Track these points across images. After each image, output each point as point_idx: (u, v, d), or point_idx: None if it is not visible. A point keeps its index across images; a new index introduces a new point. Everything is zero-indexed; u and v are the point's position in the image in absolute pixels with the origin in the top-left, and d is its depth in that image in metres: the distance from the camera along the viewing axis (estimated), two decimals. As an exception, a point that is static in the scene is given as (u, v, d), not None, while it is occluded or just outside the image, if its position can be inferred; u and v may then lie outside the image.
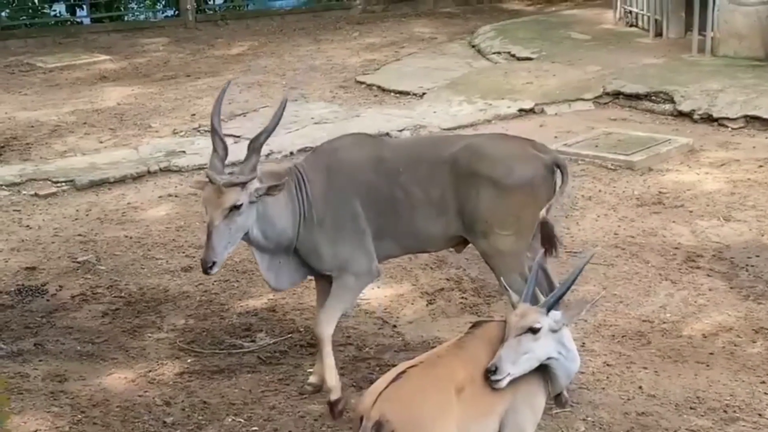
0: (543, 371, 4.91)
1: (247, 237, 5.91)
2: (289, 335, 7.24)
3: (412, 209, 6.15)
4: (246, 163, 5.78)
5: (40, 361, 7.00)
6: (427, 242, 6.41)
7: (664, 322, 7.34)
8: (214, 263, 5.71)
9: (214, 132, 5.90)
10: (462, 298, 7.80)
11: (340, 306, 6.26)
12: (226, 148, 5.84)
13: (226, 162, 5.87)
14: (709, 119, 12.10)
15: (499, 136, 7.05)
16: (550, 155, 6.29)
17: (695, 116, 12.21)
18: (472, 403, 4.69)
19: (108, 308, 7.77)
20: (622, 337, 7.14)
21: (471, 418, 4.67)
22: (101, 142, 12.06)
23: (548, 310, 4.88)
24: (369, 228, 6.12)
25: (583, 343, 7.02)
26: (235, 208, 5.68)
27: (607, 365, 6.76)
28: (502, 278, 5.85)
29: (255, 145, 5.84)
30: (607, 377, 6.62)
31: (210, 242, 5.68)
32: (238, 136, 11.74)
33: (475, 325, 5.02)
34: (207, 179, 5.76)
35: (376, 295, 7.84)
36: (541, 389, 4.94)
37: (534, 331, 4.78)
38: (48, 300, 7.95)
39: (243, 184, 5.72)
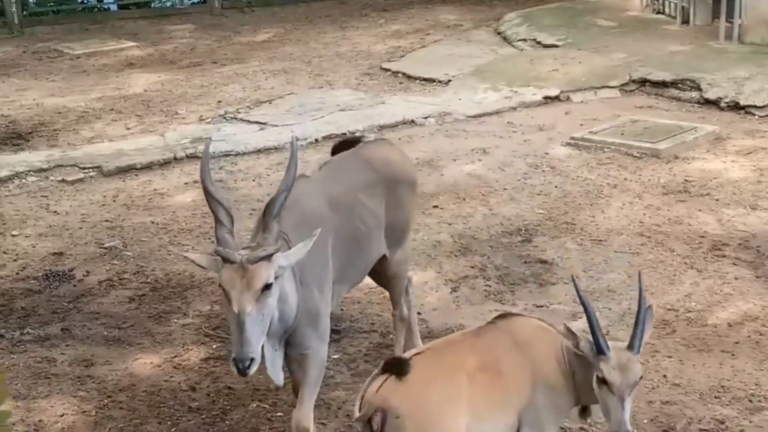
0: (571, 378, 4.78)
1: None
2: (314, 322, 7.26)
3: (369, 239, 5.84)
4: (268, 232, 4.93)
5: (67, 345, 7.07)
6: (366, 271, 6.07)
7: (689, 311, 7.32)
8: (252, 360, 4.77)
9: (212, 198, 5.03)
10: (486, 285, 7.80)
11: (317, 389, 5.47)
12: (231, 216, 5.04)
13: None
14: (735, 107, 12.02)
15: (380, 141, 6.69)
16: None
17: (722, 104, 12.13)
18: (485, 393, 4.58)
19: (134, 294, 7.82)
20: (647, 325, 7.11)
21: (484, 408, 4.57)
22: (128, 129, 12.13)
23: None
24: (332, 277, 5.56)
25: (608, 332, 7.00)
26: (267, 287, 4.81)
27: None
28: (402, 296, 6.30)
29: (273, 210, 5.00)
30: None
31: (244, 335, 4.74)
32: (264, 123, 11.81)
33: (500, 317, 4.95)
34: (221, 259, 4.86)
35: (397, 282, 7.85)
36: (566, 391, 4.77)
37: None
38: (75, 285, 8.02)
39: (269, 258, 4.85)
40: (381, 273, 6.21)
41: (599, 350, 4.54)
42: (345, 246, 5.59)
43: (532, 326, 4.87)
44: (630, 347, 4.62)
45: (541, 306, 7.44)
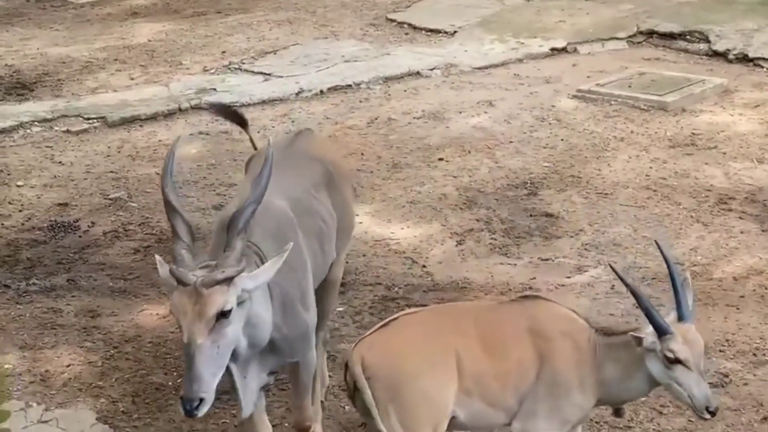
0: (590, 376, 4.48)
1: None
2: (319, 274, 7.27)
3: (330, 240, 5.29)
4: (230, 250, 4.26)
5: (73, 296, 7.09)
6: (321, 279, 5.41)
7: (695, 265, 7.31)
8: (202, 400, 4.16)
9: (171, 207, 4.43)
10: (492, 238, 7.79)
11: (309, 391, 5.14)
12: (191, 230, 4.42)
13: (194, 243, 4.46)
14: (744, 59, 11.91)
15: (309, 133, 6.03)
16: None
17: (730, 56, 12.02)
18: (479, 368, 4.36)
19: (140, 245, 7.83)
20: (652, 279, 7.12)
21: (474, 383, 4.36)
22: (132, 79, 12.06)
23: None
24: None
25: (613, 285, 7.03)
26: (223, 315, 4.16)
27: (637, 308, 6.72)
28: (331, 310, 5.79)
29: (238, 224, 4.31)
30: (636, 320, 6.58)
31: (194, 370, 4.12)
32: (269, 74, 11.73)
33: (529, 297, 4.71)
34: (173, 280, 4.25)
35: (405, 235, 7.86)
36: (582, 390, 4.47)
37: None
38: (80, 236, 8.02)
39: (230, 281, 4.18)
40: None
41: (663, 331, 4.29)
42: (312, 249, 5.04)
43: (557, 314, 4.57)
44: (681, 318, 4.42)
45: (547, 259, 7.44)
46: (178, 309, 4.18)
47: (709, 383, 5.73)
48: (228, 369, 4.34)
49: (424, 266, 7.38)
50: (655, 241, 4.69)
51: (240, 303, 4.23)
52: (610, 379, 4.47)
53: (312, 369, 5.01)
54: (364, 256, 7.54)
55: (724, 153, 9.29)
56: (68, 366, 6.26)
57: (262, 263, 4.46)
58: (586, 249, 7.58)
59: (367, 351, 4.35)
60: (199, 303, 4.11)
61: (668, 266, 4.48)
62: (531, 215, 8.16)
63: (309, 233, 5.01)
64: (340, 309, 6.76)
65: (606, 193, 8.50)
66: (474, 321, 4.49)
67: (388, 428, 4.26)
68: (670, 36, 12.68)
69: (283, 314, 4.64)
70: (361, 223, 8.07)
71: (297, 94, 11.03)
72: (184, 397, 4.15)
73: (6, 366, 6.22)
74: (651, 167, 9.02)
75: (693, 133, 9.77)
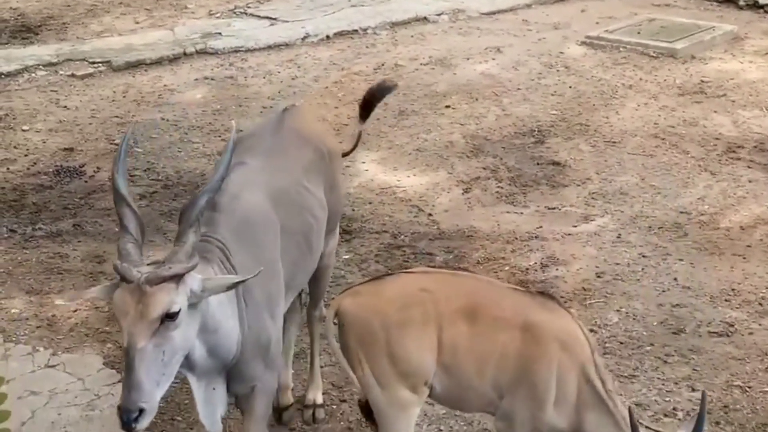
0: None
1: (186, 359, 3.93)
2: (325, 221, 7.25)
3: (319, 234, 4.79)
4: (180, 245, 3.84)
5: (79, 241, 7.08)
6: (312, 272, 4.98)
7: (702, 214, 7.29)
8: (141, 411, 3.69)
9: (120, 198, 3.97)
10: (498, 187, 7.76)
11: (265, 423, 4.51)
12: (141, 224, 3.95)
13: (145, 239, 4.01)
14: (754, 6, 11.82)
15: (298, 108, 5.61)
16: None
17: (741, 2, 11.92)
18: (459, 343, 4.10)
19: (145, 191, 7.81)
20: (659, 228, 7.10)
21: (452, 359, 4.11)
22: (137, 23, 11.97)
23: None
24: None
25: (619, 234, 7.02)
26: (169, 317, 3.73)
27: (643, 256, 6.75)
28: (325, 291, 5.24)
29: (191, 215, 3.90)
30: (643, 269, 6.61)
31: (132, 377, 3.68)
32: (275, 19, 11.64)
33: (544, 295, 4.26)
34: (117, 276, 3.81)
35: (411, 183, 7.84)
36: (551, 411, 4.07)
37: None
38: (86, 181, 8.00)
39: (178, 279, 3.76)
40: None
41: None
42: (295, 248, 4.53)
43: (561, 323, 4.12)
44: None
45: (553, 208, 7.42)
46: (119, 308, 3.73)
47: (714, 332, 5.79)
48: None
49: (430, 214, 7.36)
50: (702, 392, 4.17)
51: (192, 305, 3.79)
52: (587, 423, 4.08)
53: (270, 398, 4.44)
54: (370, 203, 7.52)
55: (733, 101, 9.22)
56: (75, 311, 6.28)
57: (228, 262, 4.09)
58: (593, 198, 7.56)
59: (350, 298, 4.27)
60: (143, 302, 3.67)
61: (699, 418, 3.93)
62: (538, 163, 8.12)
63: (292, 231, 4.51)
64: (346, 257, 6.76)
65: (614, 142, 8.46)
66: (472, 295, 4.18)
67: (359, 377, 4.22)
68: (681, -18, 12.54)
69: (249, 324, 4.17)
70: (367, 170, 8.06)
71: (303, 39, 10.95)
72: (121, 407, 3.69)
73: (13, 310, 6.25)
74: (659, 115, 8.96)
75: (702, 81, 9.70)
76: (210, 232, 4.12)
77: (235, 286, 3.89)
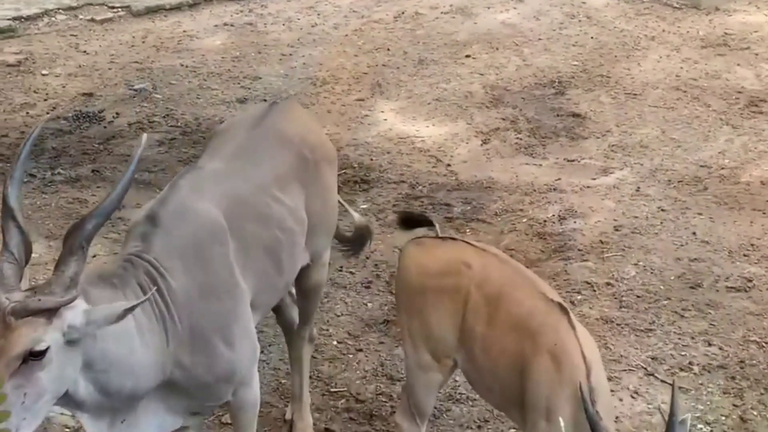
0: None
1: (67, 398, 3.40)
2: (343, 170, 7.23)
3: (292, 250, 4.27)
4: (58, 273, 3.29)
5: (98, 187, 7.11)
6: (286, 290, 4.59)
7: (722, 168, 7.25)
8: None
9: (7, 211, 3.42)
10: (517, 138, 7.73)
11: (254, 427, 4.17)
12: (27, 243, 3.42)
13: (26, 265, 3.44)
14: (781, -43, 11.63)
15: (289, 104, 4.93)
16: None
17: (767, -46, 11.73)
18: (474, 327, 3.96)
19: (164, 137, 7.82)
20: (679, 182, 7.07)
21: (468, 339, 3.99)
22: (157, -32, 11.91)
23: None
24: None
25: (638, 188, 6.99)
26: (33, 356, 3.21)
27: (662, 210, 6.73)
28: (316, 310, 4.79)
29: (76, 241, 3.34)
30: (661, 222, 6.59)
31: None
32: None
33: (562, 307, 3.87)
34: None
35: (430, 133, 7.81)
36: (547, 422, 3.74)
37: None
38: (105, 127, 8.01)
39: (50, 313, 3.23)
40: (296, 284, 4.65)
41: None
42: (258, 266, 4.05)
43: (562, 337, 3.80)
44: None
45: (572, 160, 7.39)
46: None
47: (732, 287, 5.78)
48: None
49: (448, 165, 7.34)
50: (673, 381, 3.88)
51: (72, 341, 3.27)
52: None
53: (253, 410, 4.08)
54: (388, 153, 7.50)
55: (757, 54, 9.12)
56: (94, 256, 6.29)
57: (159, 284, 3.60)
58: (612, 150, 7.52)
59: (413, 246, 4.25)
60: (4, 336, 3.17)
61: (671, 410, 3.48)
62: (558, 115, 8.07)
63: (253, 246, 4.01)
64: (364, 206, 6.77)
65: (635, 94, 8.40)
66: (503, 286, 3.97)
67: (400, 320, 4.27)
68: (706, -69, 12.36)
69: (192, 351, 3.69)
70: (385, 120, 8.04)
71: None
72: None
73: (33, 255, 6.27)
74: (681, 67, 8.88)
75: (725, 33, 9.59)
76: (140, 250, 3.65)
77: (126, 314, 3.29)
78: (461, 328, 4.01)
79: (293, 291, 4.76)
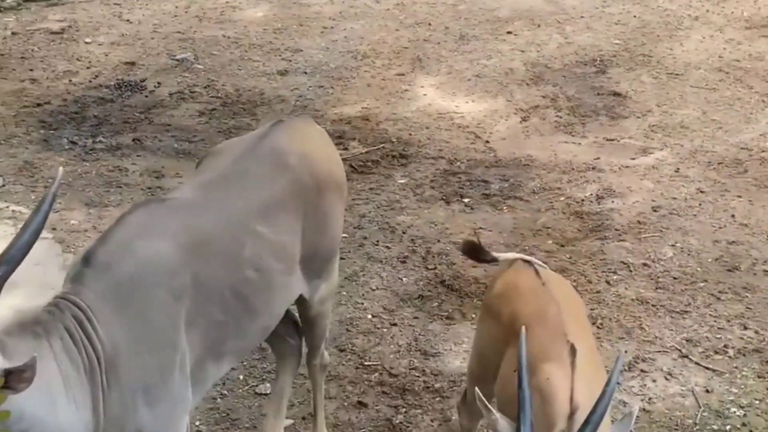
0: None
1: None
2: (382, 145, 7.27)
3: (270, 290, 3.85)
4: None
5: (138, 156, 7.17)
6: (267, 332, 4.08)
7: (763, 151, 7.19)
8: None
9: None
10: (557, 116, 7.70)
11: None
12: None
13: None
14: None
15: (295, 122, 4.37)
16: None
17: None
18: (509, 358, 3.69)
19: (205, 108, 7.86)
20: (719, 164, 7.02)
21: (505, 365, 3.73)
22: (200, -63, 11.93)
23: None
24: (191, 357, 3.57)
25: (678, 169, 6.95)
26: None
27: (701, 192, 6.69)
28: (324, 338, 4.41)
29: None
30: (700, 204, 6.56)
31: None
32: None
33: (571, 348, 3.52)
34: None
35: (469, 109, 7.80)
36: None
37: None
38: (146, 96, 8.07)
39: None
40: (298, 312, 4.38)
41: None
42: (219, 309, 3.63)
43: (554, 375, 3.51)
44: None
45: (612, 140, 7.36)
46: None
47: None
48: None
49: (487, 141, 7.34)
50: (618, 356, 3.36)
51: None
52: None
53: None
54: (427, 128, 7.51)
55: (803, 36, 9.03)
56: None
57: (86, 331, 3.25)
58: (652, 130, 7.48)
59: (509, 272, 4.02)
60: None
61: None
62: (598, 94, 8.03)
63: (217, 287, 3.62)
64: (401, 182, 6.78)
65: (677, 74, 8.33)
66: (532, 318, 3.70)
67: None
68: None
69: (110, 405, 3.32)
70: (425, 95, 8.04)
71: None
72: None
73: (72, 222, 6.36)
74: (725, 48, 8.80)
75: (771, 14, 9.50)
76: (69, 292, 3.31)
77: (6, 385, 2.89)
78: (501, 353, 3.81)
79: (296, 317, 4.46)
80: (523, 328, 3.26)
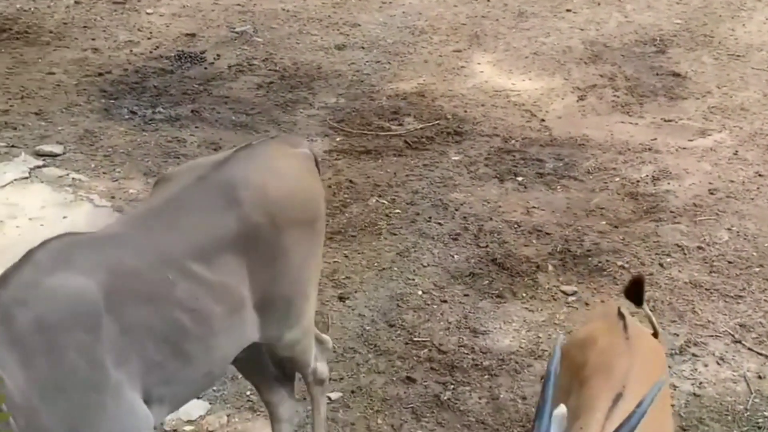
0: None
1: None
2: (437, 121, 7.28)
3: (207, 335, 3.44)
4: None
5: (196, 127, 7.24)
6: (220, 375, 3.85)
7: (823, 136, 7.10)
8: None
9: None
10: (614, 96, 7.65)
11: None
12: None
13: None
14: None
15: (263, 147, 3.80)
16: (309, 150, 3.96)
17: None
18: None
19: (263, 81, 7.91)
20: (779, 151, 6.95)
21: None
22: None
23: None
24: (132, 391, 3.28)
25: (736, 151, 6.88)
26: None
27: (759, 175, 6.61)
28: (309, 363, 4.04)
29: None
30: (758, 188, 6.49)
31: None
32: None
33: (616, 397, 3.25)
34: None
35: (526, 87, 7.77)
36: None
37: None
38: (206, 68, 8.14)
39: None
40: (257, 361, 4.02)
41: None
42: (144, 354, 3.28)
43: (587, 423, 3.26)
44: None
45: (670, 120, 7.29)
46: None
47: (826, 259, 5.65)
48: None
49: (542, 120, 7.31)
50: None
51: None
52: None
53: None
54: (482, 106, 7.49)
55: None
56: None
57: None
58: (711, 112, 7.40)
59: (598, 319, 3.81)
60: None
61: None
62: (657, 74, 7.96)
63: (139, 332, 3.26)
64: (455, 158, 6.79)
65: (738, 55, 8.22)
66: (592, 369, 3.49)
67: None
68: None
69: None
70: (482, 72, 8.02)
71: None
72: None
73: (131, 191, 6.46)
74: (788, 30, 8.68)
75: (838, -4, 9.33)
76: None
77: None
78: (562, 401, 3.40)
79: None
80: (560, 336, 3.11)
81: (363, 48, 8.44)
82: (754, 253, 5.86)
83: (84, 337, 3.10)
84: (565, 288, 5.52)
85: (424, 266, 5.70)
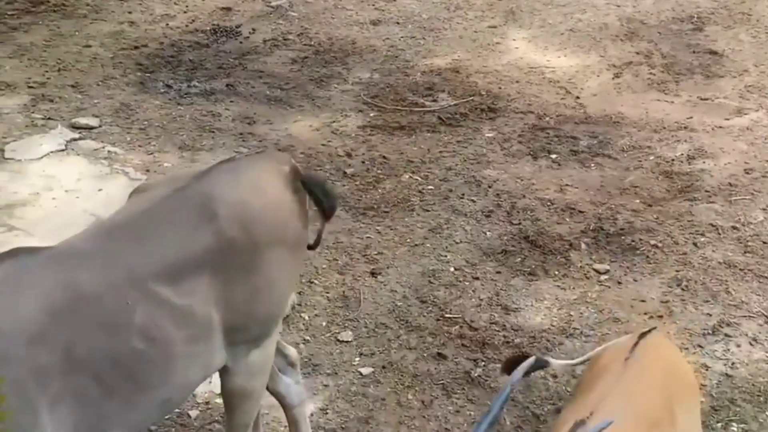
0: None
1: None
2: (471, 98, 7.26)
3: (168, 361, 3.26)
4: None
5: (231, 101, 7.27)
6: (181, 401, 3.60)
7: None
8: None
9: None
10: (650, 73, 7.60)
11: None
12: None
13: None
14: None
15: (247, 161, 3.72)
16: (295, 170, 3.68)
17: None
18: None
19: (297, 55, 7.93)
20: (815, 129, 6.88)
21: None
22: None
23: None
24: None
25: (773, 131, 6.83)
26: None
27: (795, 156, 6.57)
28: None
29: None
30: (790, 176, 6.45)
31: None
32: None
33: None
34: None
35: (561, 64, 7.73)
36: None
37: None
38: (241, 42, 8.16)
39: None
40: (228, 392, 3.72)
41: None
42: (98, 384, 3.09)
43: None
44: None
45: (706, 99, 7.24)
46: None
47: None
48: None
49: (577, 97, 7.28)
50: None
51: None
52: None
53: None
54: (517, 82, 7.47)
55: None
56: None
57: None
58: (748, 91, 7.34)
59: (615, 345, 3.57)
60: None
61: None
62: (694, 51, 7.89)
63: (92, 358, 3.06)
64: (489, 135, 6.77)
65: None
66: (607, 392, 3.18)
67: None
68: None
69: None
70: (517, 48, 7.99)
71: None
72: None
73: (166, 164, 6.50)
74: (828, 8, 8.58)
75: None
76: None
77: None
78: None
79: (289, 353, 4.10)
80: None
81: (398, 23, 8.43)
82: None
83: (19, 374, 2.87)
84: (597, 266, 5.52)
85: (457, 243, 5.71)
